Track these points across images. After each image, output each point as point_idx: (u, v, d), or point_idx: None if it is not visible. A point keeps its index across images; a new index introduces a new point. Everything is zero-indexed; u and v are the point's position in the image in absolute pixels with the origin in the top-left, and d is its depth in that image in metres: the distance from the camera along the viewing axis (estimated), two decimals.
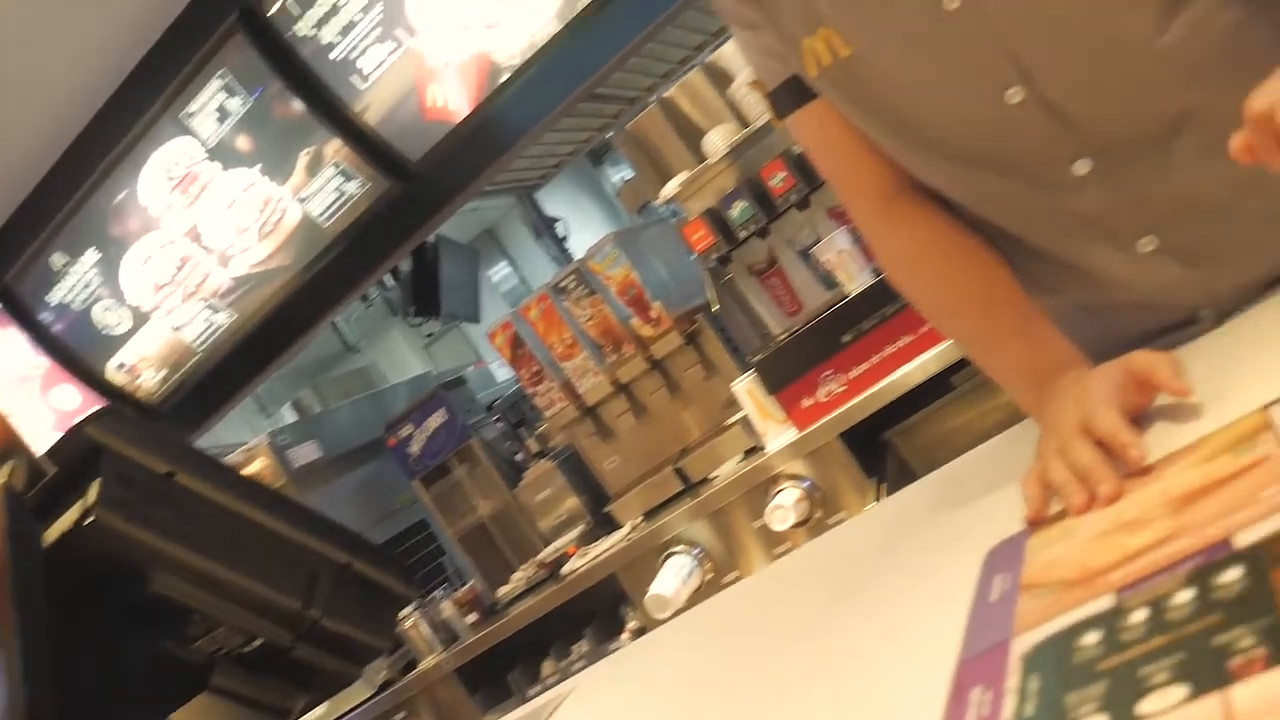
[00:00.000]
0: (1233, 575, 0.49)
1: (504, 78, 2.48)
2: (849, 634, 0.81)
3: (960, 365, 2.05)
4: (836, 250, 2.18)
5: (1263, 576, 0.47)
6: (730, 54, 2.46)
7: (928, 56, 0.92)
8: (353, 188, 2.68)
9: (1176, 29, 0.85)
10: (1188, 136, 0.88)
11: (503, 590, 2.89)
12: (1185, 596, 0.50)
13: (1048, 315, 0.94)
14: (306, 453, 3.20)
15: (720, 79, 2.45)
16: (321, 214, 2.74)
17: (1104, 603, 0.56)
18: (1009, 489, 0.82)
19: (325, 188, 2.70)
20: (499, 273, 4.98)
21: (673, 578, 2.34)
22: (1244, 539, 0.53)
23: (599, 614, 2.70)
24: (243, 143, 2.70)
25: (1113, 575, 0.59)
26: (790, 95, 1.03)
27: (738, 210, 2.28)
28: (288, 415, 5.14)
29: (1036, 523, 0.75)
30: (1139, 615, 0.51)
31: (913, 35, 0.92)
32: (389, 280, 3.67)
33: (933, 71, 0.93)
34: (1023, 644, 0.58)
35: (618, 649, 2.52)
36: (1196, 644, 0.46)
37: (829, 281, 2.34)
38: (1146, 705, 0.44)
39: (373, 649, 1.20)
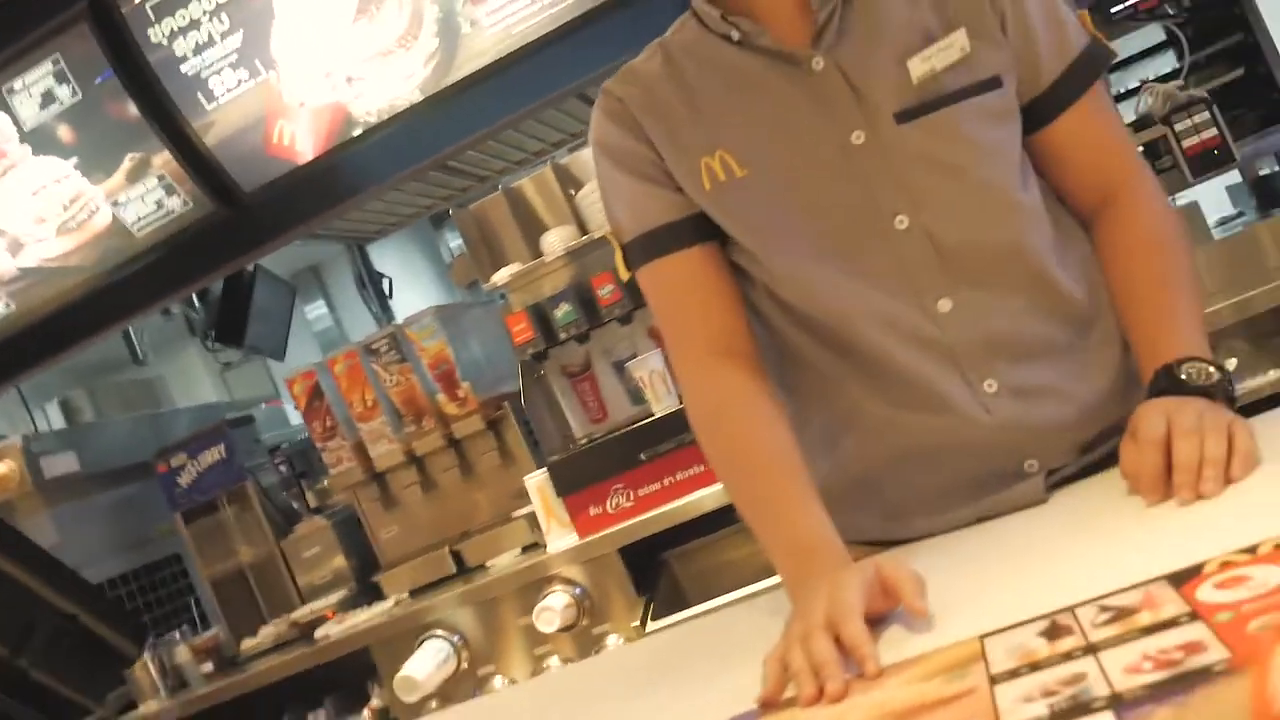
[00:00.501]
0: None
1: (356, 131, 2.45)
2: None
3: None
4: (650, 369, 2.23)
5: None
6: (584, 160, 2.52)
7: (825, 183, 1.05)
8: (174, 203, 2.57)
9: (1028, 192, 1.07)
10: (1033, 288, 1.05)
11: (248, 643, 2.75)
12: None
13: (819, 497, 1.00)
14: (63, 464, 2.99)
15: (569, 180, 2.50)
16: (135, 222, 2.61)
17: None
18: (758, 658, 0.85)
19: (145, 197, 2.57)
20: (315, 311, 4.84)
21: (427, 661, 2.29)
22: None
23: (343, 686, 2.60)
24: (64, 133, 2.55)
25: None
26: (649, 246, 1.12)
27: (562, 311, 2.32)
28: (53, 413, 4.78)
29: (768, 705, 0.78)
30: None
31: (815, 163, 1.05)
32: (195, 299, 3.51)
33: (827, 196, 1.05)
34: None
35: None
36: None
37: (637, 397, 2.39)
38: None
39: (81, 709, 1.12)
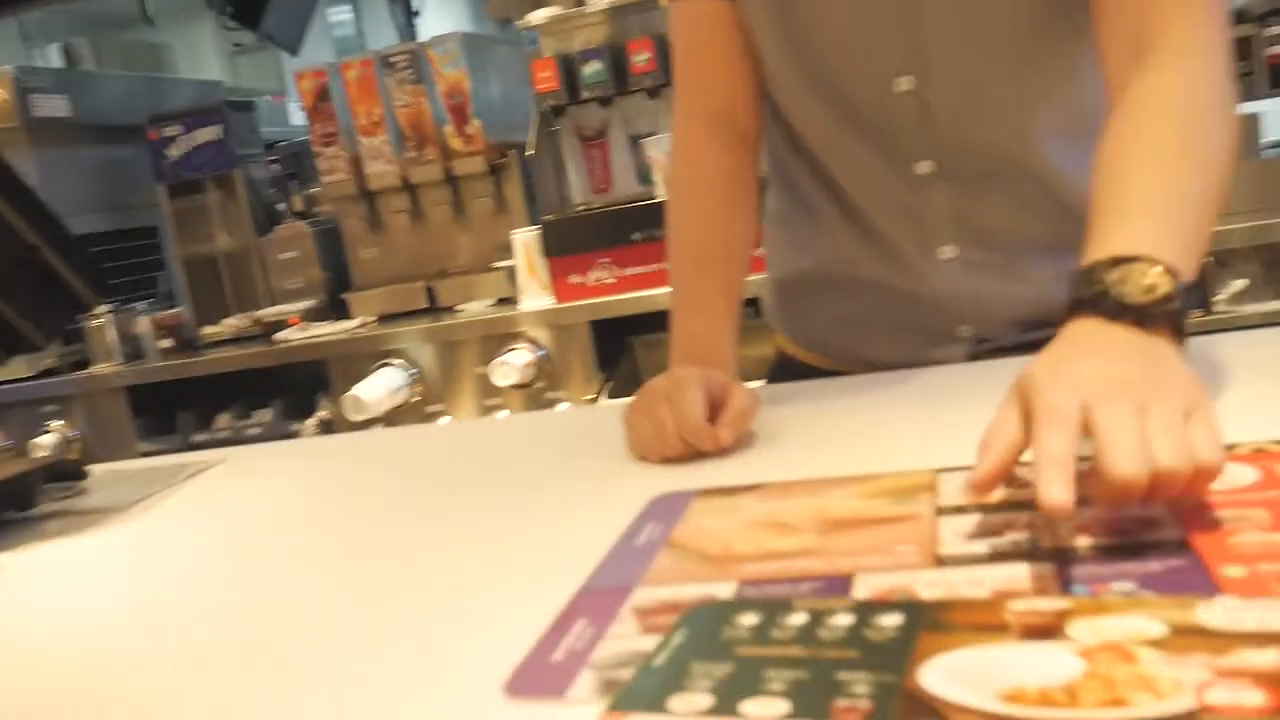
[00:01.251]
0: (890, 620, 0.51)
1: None
2: (500, 520, 0.82)
3: None
4: (664, 151, 2.16)
5: (912, 634, 0.49)
6: None
7: (854, 11, 0.97)
8: None
9: (1064, 95, 0.96)
10: (1014, 178, 0.99)
11: (209, 329, 2.77)
12: (845, 620, 0.52)
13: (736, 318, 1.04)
14: (53, 106, 2.90)
15: None
16: None
17: (724, 588, 0.59)
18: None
19: None
20: (338, 14, 4.64)
21: (379, 386, 2.31)
22: (863, 585, 0.57)
23: (294, 391, 2.64)
24: None
25: (745, 566, 0.62)
26: None
27: (591, 69, 2.22)
28: (54, 57, 4.62)
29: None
30: (798, 618, 0.53)
31: None
32: None
33: (851, 26, 0.98)
34: (640, 597, 0.60)
35: (297, 431, 2.48)
36: (823, 669, 0.47)
37: (645, 176, 2.33)
38: (749, 706, 0.46)
39: (25, 341, 1.11)
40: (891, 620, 0.51)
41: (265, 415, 2.62)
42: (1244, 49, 2.09)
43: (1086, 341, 0.65)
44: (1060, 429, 0.57)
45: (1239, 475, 0.62)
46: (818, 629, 0.51)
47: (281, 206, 3.05)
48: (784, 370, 1.20)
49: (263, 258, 2.81)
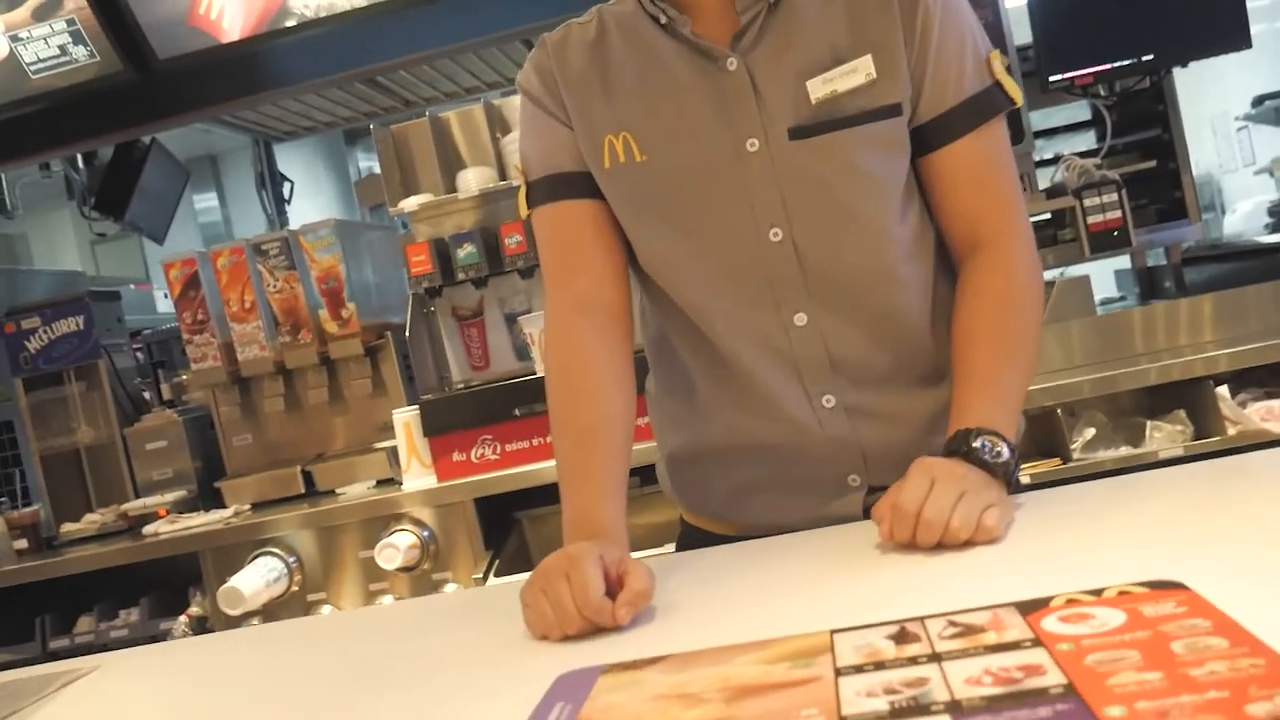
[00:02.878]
0: None
1: (290, 23, 2.36)
2: (400, 712, 0.81)
3: None
4: (541, 328, 2.21)
5: None
6: (516, 106, 2.47)
7: (717, 182, 1.08)
8: (80, 54, 2.43)
9: (905, 223, 1.10)
10: (891, 320, 1.10)
11: (69, 527, 2.63)
12: None
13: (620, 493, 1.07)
14: None
15: (498, 123, 2.46)
16: (33, 63, 2.46)
17: None
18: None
19: (49, 40, 2.43)
20: (205, 202, 4.64)
21: (257, 577, 2.23)
22: None
23: (164, 588, 2.51)
24: None
25: None
26: (549, 189, 1.15)
27: (465, 252, 2.28)
28: None
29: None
30: None
31: (710, 162, 1.08)
32: (79, 160, 3.32)
33: (716, 195, 1.08)
34: None
35: (168, 630, 2.35)
36: None
37: (523, 353, 2.37)
38: None
39: None
40: None
41: (132, 615, 2.47)
42: (1067, 219, 2.29)
43: (953, 461, 0.97)
44: (911, 496, 0.92)
45: (1108, 618, 0.66)
46: None
47: (148, 395, 2.97)
48: (689, 538, 1.23)
49: (128, 449, 2.71)
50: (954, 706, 0.58)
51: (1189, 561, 0.75)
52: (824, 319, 1.09)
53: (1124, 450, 2.04)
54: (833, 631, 0.75)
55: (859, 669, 0.67)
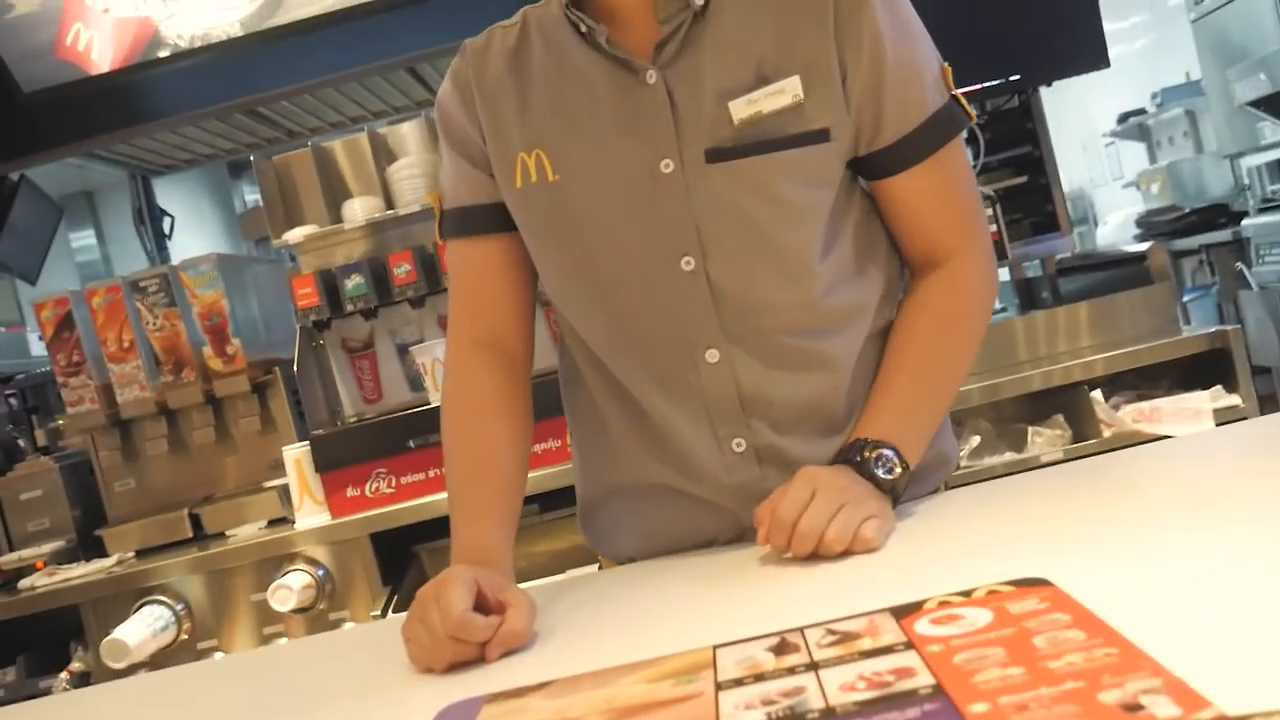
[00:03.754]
0: None
1: (163, 53, 2.30)
2: None
3: None
4: (433, 357, 2.19)
5: None
6: (401, 135, 2.45)
7: (629, 205, 1.03)
8: None
9: (830, 257, 1.05)
10: (804, 356, 1.04)
11: None
12: None
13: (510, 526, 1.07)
14: None
15: (384, 152, 2.44)
16: None
17: None
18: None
19: None
20: (81, 239, 4.48)
21: (142, 627, 2.14)
22: None
23: (42, 643, 2.39)
24: None
25: None
26: (461, 222, 1.13)
27: (353, 283, 2.25)
28: None
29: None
30: None
31: (623, 184, 1.02)
32: None
33: (628, 219, 1.03)
34: None
35: (48, 688, 2.24)
36: None
37: (416, 383, 2.34)
38: None
39: None
40: None
41: (8, 674, 2.35)
42: None
43: (840, 471, 0.98)
44: (790, 505, 0.93)
45: (976, 617, 0.68)
46: None
47: (21, 442, 2.84)
48: None
49: (1, 500, 2.58)
50: (828, 713, 0.59)
51: (1057, 557, 0.77)
52: (737, 356, 1.03)
53: (1008, 456, 2.10)
54: (715, 647, 0.75)
55: (739, 682, 0.67)
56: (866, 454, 0.98)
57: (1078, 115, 6.18)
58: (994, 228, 2.34)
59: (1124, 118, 5.93)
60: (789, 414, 1.05)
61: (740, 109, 0.99)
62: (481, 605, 0.89)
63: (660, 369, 1.06)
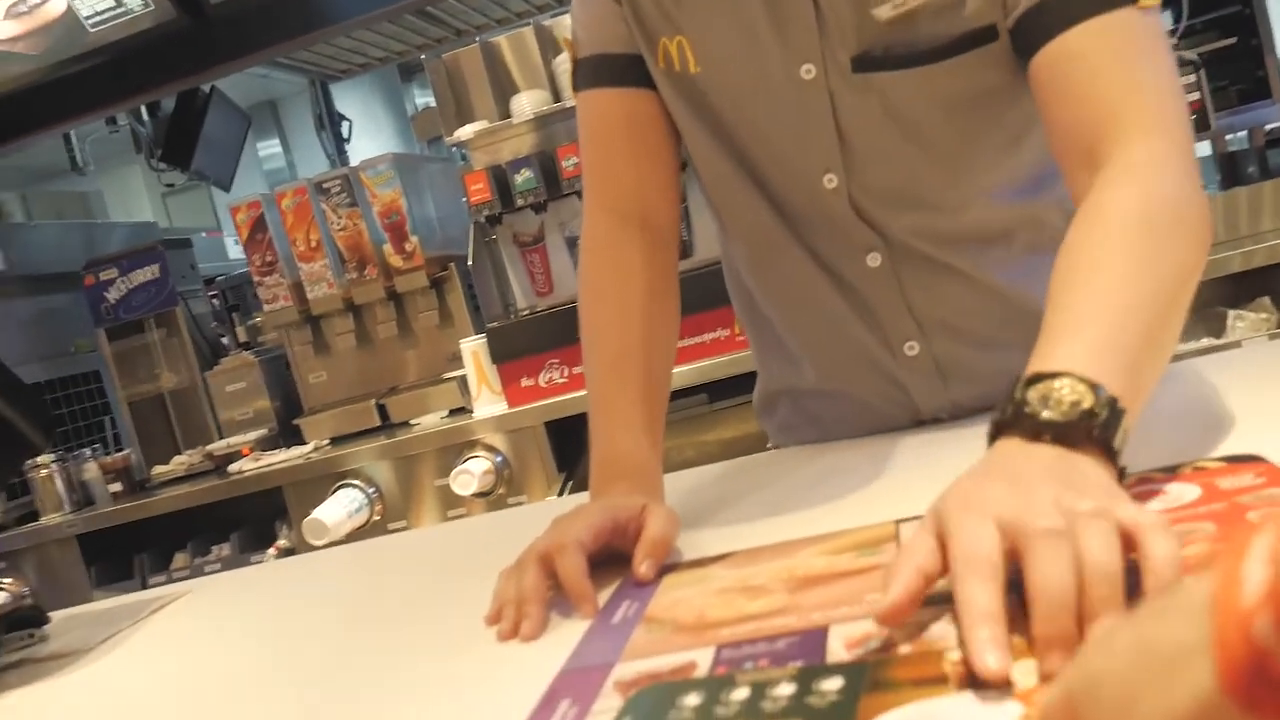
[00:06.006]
0: (831, 685, 0.51)
1: None
2: (470, 616, 0.82)
3: (674, 395, 2.13)
4: None
5: (854, 696, 0.50)
6: (567, 26, 2.44)
7: (771, 112, 0.95)
8: (135, 3, 2.45)
9: (998, 169, 0.92)
10: (959, 269, 0.96)
11: (159, 469, 2.73)
12: (786, 690, 0.52)
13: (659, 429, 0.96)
14: None
15: (549, 44, 2.43)
16: (90, 17, 2.49)
17: (703, 655, 0.60)
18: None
19: None
20: (268, 149, 4.70)
21: (339, 508, 2.29)
22: (838, 635, 0.58)
23: (252, 523, 2.60)
24: None
25: (721, 631, 0.63)
26: (597, 71, 1.02)
27: (523, 178, 2.27)
28: None
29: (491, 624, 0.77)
30: (740, 693, 0.53)
31: (763, 86, 0.94)
32: (144, 113, 3.37)
33: (767, 129, 0.96)
34: (622, 671, 0.61)
35: (258, 562, 2.44)
36: None
37: None
38: None
39: None
40: (832, 684, 0.52)
41: (224, 550, 2.57)
42: None
43: (1002, 464, 0.60)
44: (980, 577, 0.51)
45: (1182, 493, 0.64)
46: (761, 701, 0.52)
47: (225, 339, 3.05)
48: None
49: (209, 392, 2.79)
50: (1013, 585, 0.57)
51: (1268, 436, 0.72)
52: (900, 263, 0.96)
53: (1205, 341, 1.97)
54: (898, 522, 0.74)
55: None
56: (1021, 399, 0.62)
57: None
58: (1196, 95, 2.16)
59: None
60: (960, 326, 0.98)
61: (885, 11, 0.88)
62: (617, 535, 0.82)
63: (818, 274, 0.99)
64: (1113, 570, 0.49)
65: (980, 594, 0.51)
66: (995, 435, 0.63)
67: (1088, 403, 0.60)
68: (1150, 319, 0.68)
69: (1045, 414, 0.60)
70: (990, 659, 0.48)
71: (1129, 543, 0.50)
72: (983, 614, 0.50)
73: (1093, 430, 0.59)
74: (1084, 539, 0.50)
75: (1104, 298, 0.68)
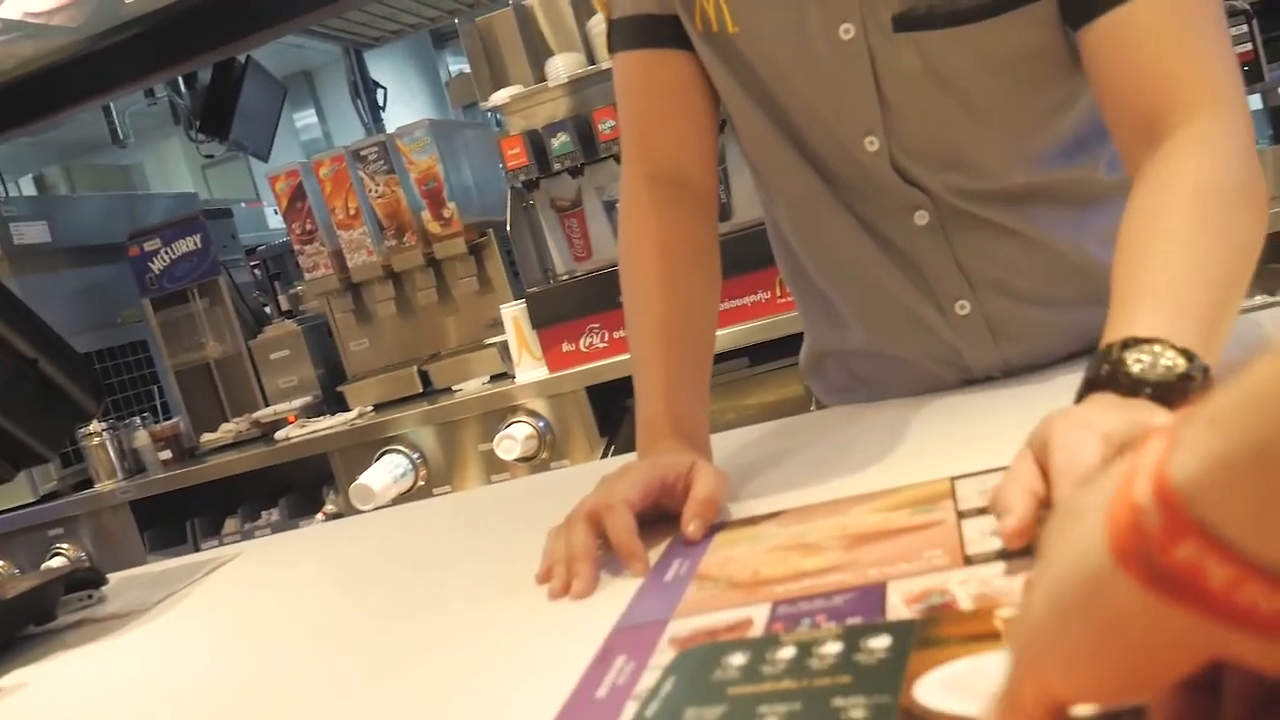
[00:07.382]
0: (879, 643, 0.51)
1: None
2: (521, 575, 0.82)
3: (715, 359, 2.13)
4: None
5: (903, 653, 0.49)
6: None
7: (811, 73, 0.93)
8: None
9: (1045, 131, 0.90)
10: (1018, 228, 0.94)
11: (207, 437, 2.77)
12: (833, 649, 0.52)
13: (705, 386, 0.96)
14: (34, 232, 2.93)
15: (583, 7, 2.41)
16: None
17: (759, 611, 0.59)
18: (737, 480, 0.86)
19: None
20: (304, 119, 4.72)
21: (385, 474, 2.31)
22: (897, 591, 0.57)
23: (299, 488, 2.63)
24: None
25: (776, 587, 0.63)
26: (632, 32, 1.00)
27: (559, 142, 2.26)
28: (27, 188, 4.67)
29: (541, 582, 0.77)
30: (787, 652, 0.53)
31: (801, 47, 0.92)
32: (182, 85, 3.39)
33: (806, 90, 0.94)
34: (677, 628, 0.61)
35: (307, 526, 2.47)
36: (817, 699, 0.47)
37: None
38: None
39: (34, 455, 1.12)
40: (880, 642, 0.51)
41: (273, 515, 2.61)
42: None
43: (1103, 401, 0.61)
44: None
45: None
46: (808, 659, 0.51)
47: (268, 308, 3.08)
48: None
49: (254, 360, 2.82)
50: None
51: None
52: (949, 224, 0.94)
53: (1258, 299, 1.93)
54: (953, 478, 0.73)
55: (982, 511, 0.65)
56: (1124, 360, 0.63)
57: None
58: (1248, 46, 2.10)
59: None
60: (1011, 284, 0.96)
61: None
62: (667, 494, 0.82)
63: (862, 234, 0.98)
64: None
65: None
66: (1086, 392, 0.64)
67: (1183, 367, 0.62)
68: (1223, 288, 0.70)
69: (1146, 374, 0.62)
70: None
71: None
72: None
73: (1189, 393, 0.61)
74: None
75: (1182, 265, 0.70)
